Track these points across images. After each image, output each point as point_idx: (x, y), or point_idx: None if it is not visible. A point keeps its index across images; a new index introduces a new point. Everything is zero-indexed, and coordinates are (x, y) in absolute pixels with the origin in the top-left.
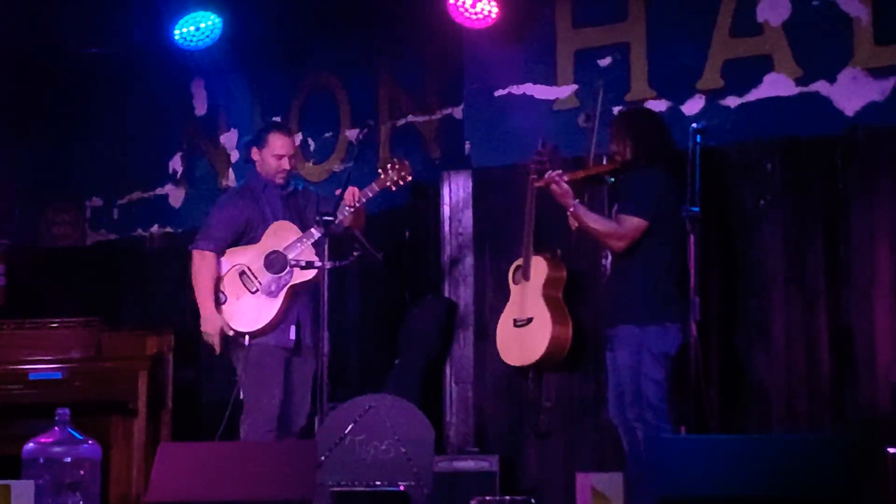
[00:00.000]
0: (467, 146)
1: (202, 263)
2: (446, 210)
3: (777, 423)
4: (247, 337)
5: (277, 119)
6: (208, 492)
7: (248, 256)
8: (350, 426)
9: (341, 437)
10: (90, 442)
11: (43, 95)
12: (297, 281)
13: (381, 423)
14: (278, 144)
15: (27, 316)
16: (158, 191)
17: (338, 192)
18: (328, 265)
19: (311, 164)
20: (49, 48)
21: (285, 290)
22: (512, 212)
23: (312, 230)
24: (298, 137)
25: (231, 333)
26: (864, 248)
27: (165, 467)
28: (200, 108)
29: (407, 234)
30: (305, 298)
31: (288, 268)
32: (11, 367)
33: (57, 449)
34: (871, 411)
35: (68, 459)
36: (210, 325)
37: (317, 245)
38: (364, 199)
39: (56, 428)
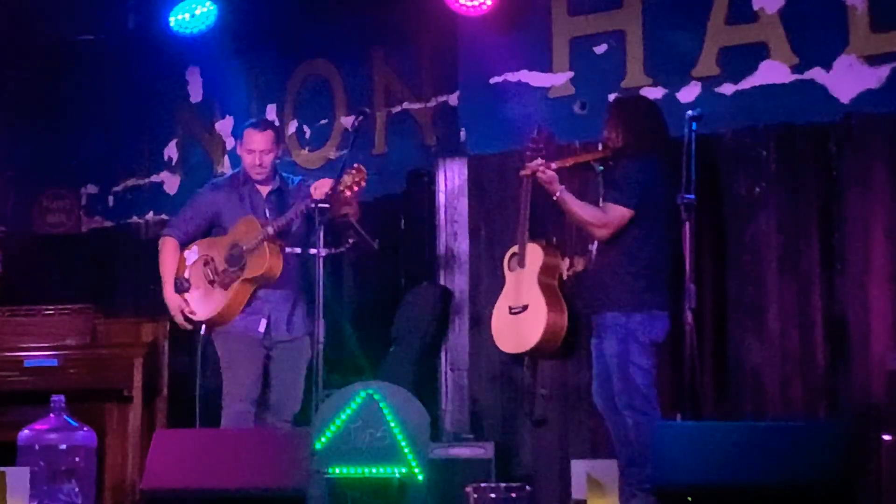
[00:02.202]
0: (463, 133)
1: (162, 248)
2: (442, 197)
3: (771, 411)
4: (203, 327)
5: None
6: (203, 479)
7: (216, 248)
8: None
9: (336, 424)
10: (85, 429)
11: (38, 83)
12: (248, 276)
13: (377, 409)
14: (250, 140)
15: (22, 303)
16: (154, 178)
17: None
18: (323, 252)
19: (306, 152)
20: (44, 35)
21: (236, 283)
22: (507, 199)
23: (269, 227)
24: (294, 125)
25: (187, 312)
26: (859, 236)
27: (161, 454)
28: (196, 96)
29: (402, 221)
30: (279, 294)
31: (242, 262)
32: (7, 354)
33: (52, 436)
34: (865, 398)
35: (64, 446)
36: (168, 305)
37: (285, 243)
38: (310, 203)
39: (51, 415)
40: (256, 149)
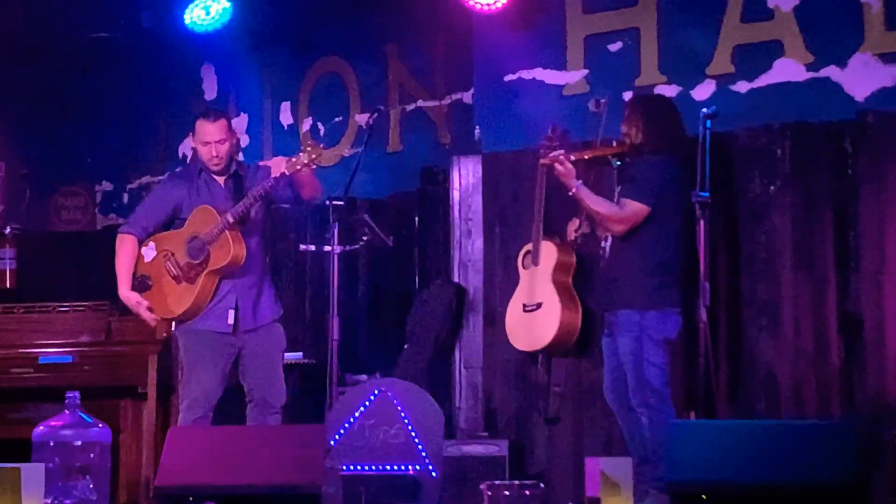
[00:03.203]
0: (477, 131)
1: (119, 246)
2: (456, 195)
3: (785, 409)
4: (172, 323)
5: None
6: (218, 476)
7: (174, 242)
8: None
9: (351, 422)
10: (100, 425)
11: (53, 80)
12: (213, 267)
13: (391, 407)
14: (203, 131)
15: (37, 300)
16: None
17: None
18: (337, 249)
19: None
20: (59, 33)
21: (202, 276)
22: (521, 197)
23: (227, 216)
24: (308, 122)
25: (147, 307)
26: (874, 234)
27: (175, 451)
28: (210, 93)
29: (416, 219)
30: (245, 280)
31: (205, 253)
32: (22, 350)
33: (67, 432)
34: (879, 397)
35: (78, 443)
36: (126, 302)
37: (247, 230)
38: (291, 169)
39: (66, 411)
40: (211, 140)
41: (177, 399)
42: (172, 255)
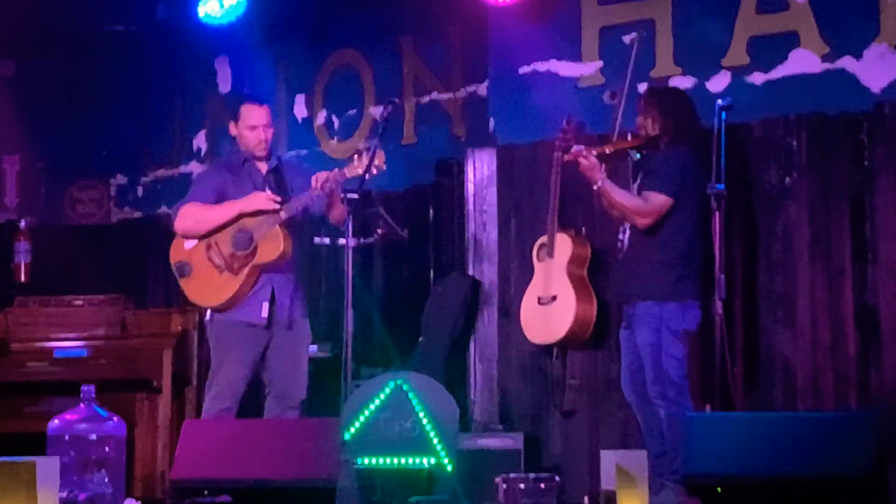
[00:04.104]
0: (492, 123)
1: (190, 210)
2: (471, 187)
3: (802, 401)
4: (208, 311)
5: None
6: (233, 469)
7: (218, 231)
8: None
9: (366, 415)
10: (115, 419)
11: (67, 73)
12: (260, 261)
13: (406, 400)
14: (252, 115)
15: (52, 293)
16: (182, 168)
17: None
18: (352, 243)
19: (335, 142)
20: (73, 26)
21: (247, 268)
22: (536, 189)
23: (281, 212)
24: (323, 115)
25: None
26: (890, 225)
27: (190, 444)
28: (225, 86)
29: (431, 211)
30: (281, 275)
31: (252, 246)
32: (37, 344)
33: (82, 426)
34: None
35: (93, 436)
36: (258, 199)
37: (290, 227)
38: (332, 186)
39: (81, 405)
40: (258, 123)
41: (192, 392)
42: (216, 244)
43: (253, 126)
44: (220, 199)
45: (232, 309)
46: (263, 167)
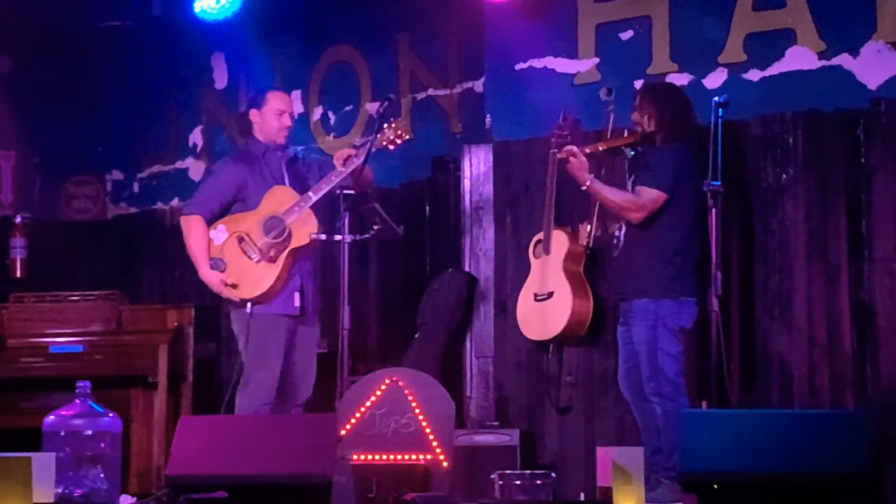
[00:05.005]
0: (488, 120)
1: (188, 227)
2: (467, 184)
3: (798, 399)
4: (248, 305)
5: None
6: (229, 465)
7: (247, 223)
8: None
9: (361, 411)
10: (111, 415)
11: (63, 69)
12: (296, 245)
13: (402, 397)
14: (279, 101)
15: (48, 289)
16: (178, 164)
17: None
18: (348, 239)
19: (331, 138)
20: (69, 22)
21: (284, 254)
22: (532, 185)
23: (310, 193)
24: (319, 111)
25: (230, 284)
26: (887, 223)
27: (186, 440)
28: (220, 82)
29: (427, 207)
30: (307, 264)
31: (286, 232)
32: (32, 340)
33: (78, 422)
34: (893, 386)
35: (89, 432)
36: (209, 284)
37: (314, 208)
38: (359, 158)
39: (77, 401)
40: (286, 109)
41: (187, 388)
42: (248, 235)
43: (281, 111)
44: (239, 193)
45: (270, 301)
46: (282, 158)
